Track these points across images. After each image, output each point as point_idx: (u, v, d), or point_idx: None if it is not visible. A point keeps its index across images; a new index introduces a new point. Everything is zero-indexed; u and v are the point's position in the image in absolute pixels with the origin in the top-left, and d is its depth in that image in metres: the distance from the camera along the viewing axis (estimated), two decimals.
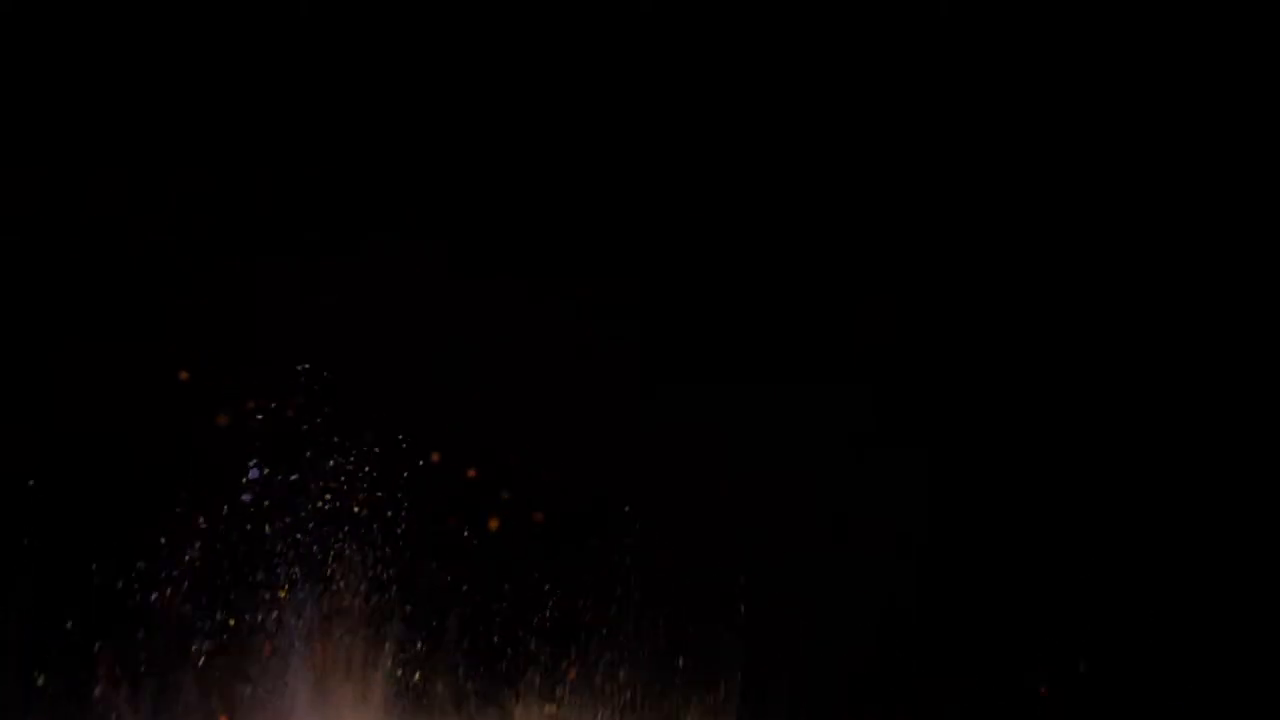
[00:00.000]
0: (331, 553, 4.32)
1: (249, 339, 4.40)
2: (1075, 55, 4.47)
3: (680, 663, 4.38)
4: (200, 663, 4.20)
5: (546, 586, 4.40)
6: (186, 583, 4.23)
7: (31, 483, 4.23)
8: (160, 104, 4.42)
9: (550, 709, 4.35)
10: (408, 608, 4.34)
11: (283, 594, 4.25)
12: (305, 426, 4.35)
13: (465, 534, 4.42)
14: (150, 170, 4.42)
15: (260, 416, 4.33)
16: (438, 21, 4.44)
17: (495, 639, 4.38)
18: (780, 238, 4.52)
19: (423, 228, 4.49)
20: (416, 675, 4.34)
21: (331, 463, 4.36)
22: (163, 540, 4.23)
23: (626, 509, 4.42)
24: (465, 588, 4.39)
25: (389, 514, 4.38)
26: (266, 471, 4.27)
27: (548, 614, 4.39)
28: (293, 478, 4.32)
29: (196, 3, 4.40)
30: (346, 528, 4.34)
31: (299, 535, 4.30)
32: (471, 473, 4.41)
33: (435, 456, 4.40)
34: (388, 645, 4.31)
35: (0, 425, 4.27)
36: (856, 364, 4.50)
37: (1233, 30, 4.42)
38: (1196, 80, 4.46)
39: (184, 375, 4.32)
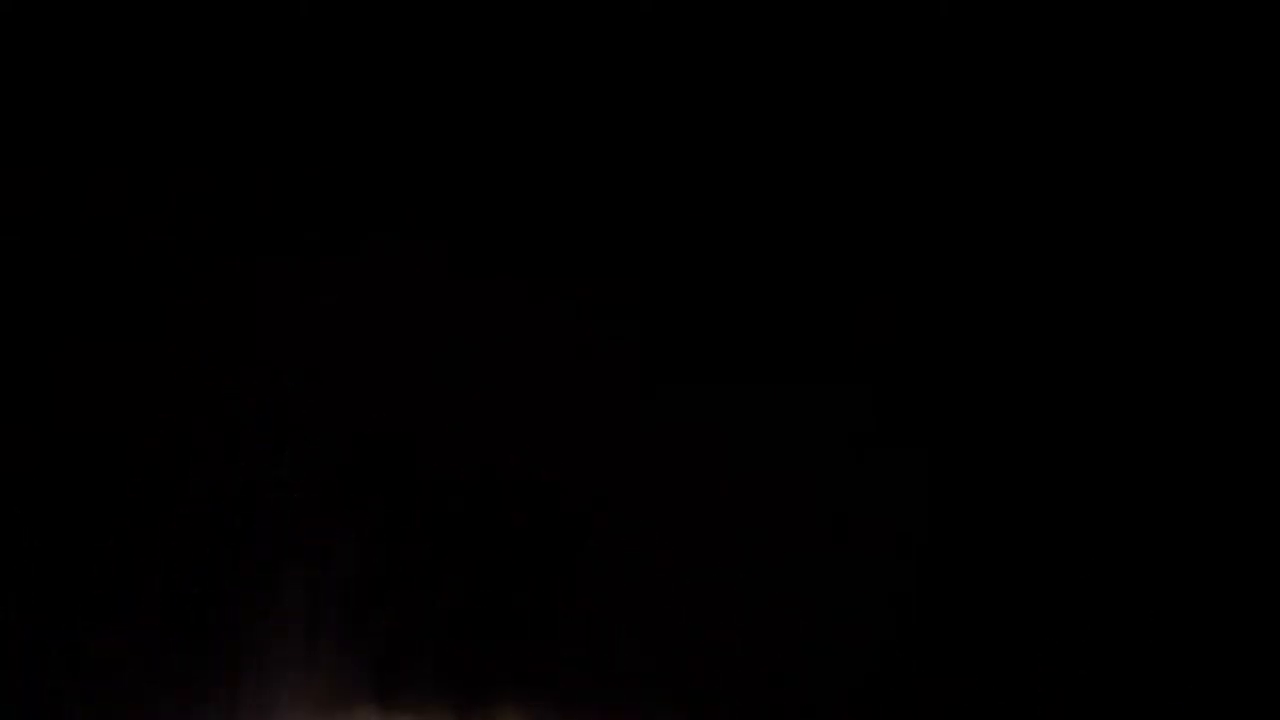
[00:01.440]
0: (326, 552, 4.33)
1: (249, 339, 4.41)
2: (1075, 55, 4.47)
3: (679, 663, 4.38)
4: (194, 658, 4.20)
5: (544, 586, 4.40)
6: (183, 581, 4.24)
7: (31, 483, 4.24)
8: (160, 104, 4.43)
9: (544, 709, 4.35)
10: (401, 606, 4.35)
11: (275, 591, 4.26)
12: (300, 425, 4.36)
13: (463, 534, 4.42)
14: (150, 170, 4.43)
15: (257, 414, 4.34)
16: (437, 21, 4.45)
17: (492, 640, 4.38)
18: (779, 237, 4.52)
19: (423, 228, 4.49)
20: (409, 675, 4.34)
21: (329, 462, 4.37)
22: (161, 540, 4.24)
23: (626, 509, 4.42)
24: (462, 588, 4.39)
25: (385, 514, 4.39)
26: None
27: (545, 614, 4.39)
28: (288, 477, 4.33)
29: (196, 3, 4.40)
30: (344, 526, 4.35)
31: (294, 534, 4.31)
32: (470, 473, 4.42)
33: (434, 457, 4.40)
34: (378, 644, 4.31)
35: (0, 425, 4.28)
36: (856, 364, 4.50)
37: (1233, 30, 4.42)
38: (1196, 80, 4.46)
39: (185, 379, 4.33)
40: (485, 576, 4.42)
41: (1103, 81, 4.47)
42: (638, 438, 4.45)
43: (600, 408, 4.46)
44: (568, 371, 4.46)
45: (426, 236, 4.47)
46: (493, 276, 4.46)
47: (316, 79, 4.46)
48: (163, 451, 4.33)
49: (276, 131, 4.45)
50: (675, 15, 4.46)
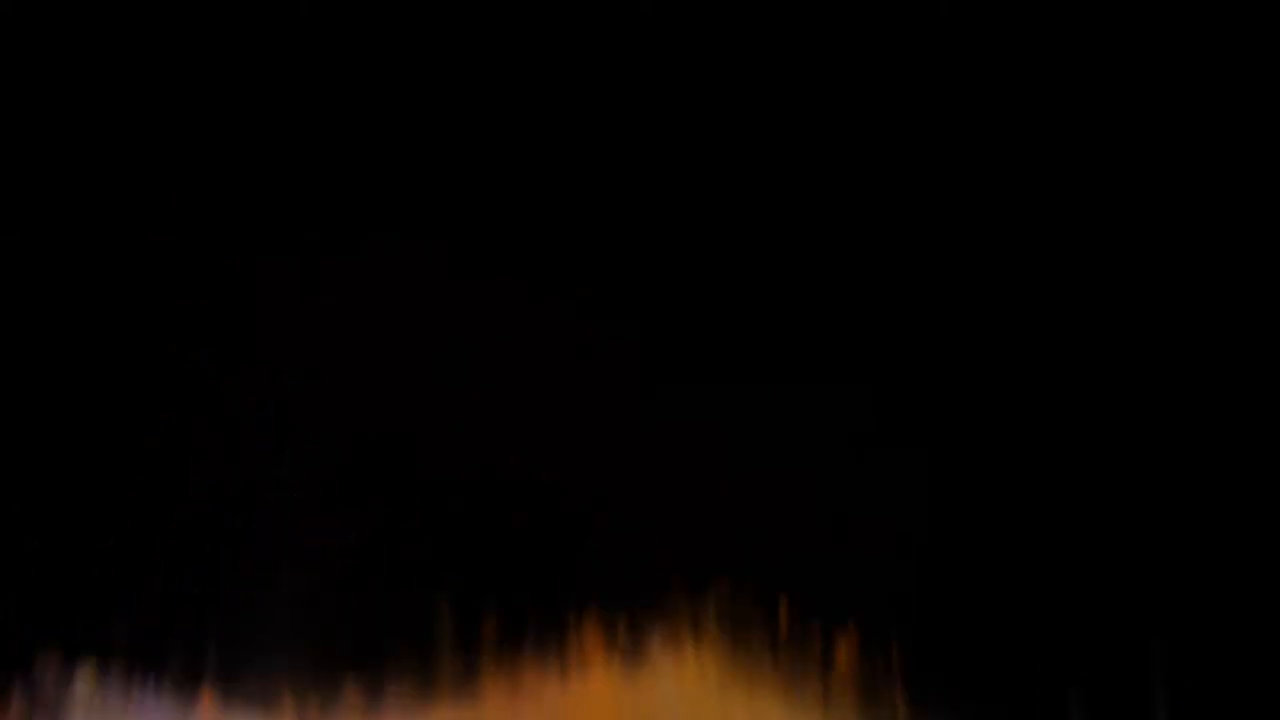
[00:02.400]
0: (326, 552, 4.33)
1: (249, 339, 4.41)
2: (1075, 55, 4.47)
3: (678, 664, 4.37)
4: (194, 658, 4.20)
5: (544, 586, 4.40)
6: (183, 581, 4.24)
7: (31, 483, 4.24)
8: (160, 104, 4.43)
9: (543, 709, 4.34)
10: (400, 605, 4.34)
11: (275, 590, 4.26)
12: (300, 425, 4.36)
13: (463, 534, 4.42)
14: (150, 170, 4.43)
15: (257, 414, 4.34)
16: (437, 22, 4.45)
17: (490, 640, 4.38)
18: (780, 238, 4.52)
19: (423, 228, 4.49)
20: (408, 674, 4.34)
21: (329, 462, 4.37)
22: (160, 539, 4.24)
23: (626, 509, 4.42)
24: (462, 588, 4.39)
25: (385, 514, 4.39)
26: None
27: (545, 614, 4.38)
28: (288, 477, 4.33)
29: (196, 3, 4.41)
30: (344, 526, 4.35)
31: (294, 534, 4.31)
32: (470, 473, 4.42)
33: (434, 457, 4.40)
34: (377, 643, 4.31)
35: (0, 425, 4.28)
36: (856, 364, 4.50)
37: (1233, 30, 4.42)
38: (1196, 80, 4.46)
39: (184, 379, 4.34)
40: (485, 576, 4.42)
41: (1103, 82, 4.47)
42: (638, 438, 4.45)
43: (600, 408, 4.46)
44: (568, 371, 4.46)
45: (426, 236, 4.47)
46: (493, 276, 4.46)
47: (316, 80, 4.46)
48: (163, 451, 4.33)
49: (276, 132, 4.45)
50: (675, 16, 4.46)
